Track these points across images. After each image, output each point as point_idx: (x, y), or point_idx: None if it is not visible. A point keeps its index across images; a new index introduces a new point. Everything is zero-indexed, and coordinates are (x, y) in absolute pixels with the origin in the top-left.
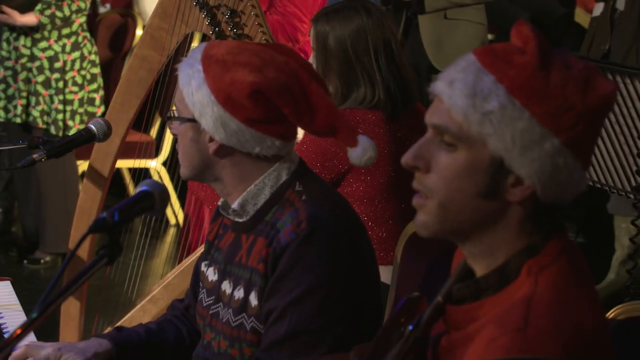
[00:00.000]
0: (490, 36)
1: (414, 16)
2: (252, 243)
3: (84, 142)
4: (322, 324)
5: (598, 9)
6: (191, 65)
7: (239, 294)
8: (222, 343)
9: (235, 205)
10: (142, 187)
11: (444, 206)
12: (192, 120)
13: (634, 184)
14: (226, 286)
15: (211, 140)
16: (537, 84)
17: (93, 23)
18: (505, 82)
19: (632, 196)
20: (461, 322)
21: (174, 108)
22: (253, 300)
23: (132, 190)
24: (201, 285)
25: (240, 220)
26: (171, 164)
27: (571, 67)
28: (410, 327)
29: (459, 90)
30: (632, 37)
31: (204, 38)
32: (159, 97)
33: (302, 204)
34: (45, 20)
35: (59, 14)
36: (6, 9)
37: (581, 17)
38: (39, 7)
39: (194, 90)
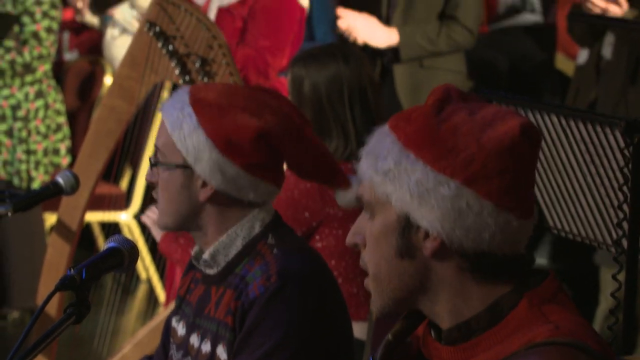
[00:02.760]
0: (469, 83)
1: (390, 65)
2: (221, 295)
3: (51, 195)
4: None
5: (582, 56)
6: (180, 108)
7: (206, 347)
8: None
9: (206, 255)
10: (110, 244)
11: (376, 278)
12: (184, 166)
13: (615, 237)
14: (194, 339)
15: (204, 185)
16: (428, 131)
17: (60, 70)
18: (402, 138)
19: (613, 249)
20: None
21: (153, 153)
22: (221, 354)
23: (102, 244)
24: (171, 341)
25: (211, 272)
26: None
27: (475, 112)
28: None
29: (365, 158)
30: (620, 89)
31: (175, 88)
32: (129, 147)
33: (273, 257)
34: (4, 65)
35: (19, 59)
36: None
37: (563, 63)
38: None
39: (186, 135)
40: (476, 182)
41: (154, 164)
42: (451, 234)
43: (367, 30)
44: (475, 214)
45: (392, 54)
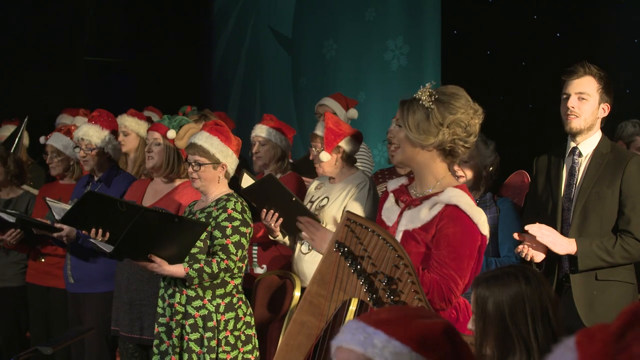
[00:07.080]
0: None
1: (566, 278)
2: None
3: None
4: None
5: None
6: (362, 330)
7: None
8: None
9: None
10: None
11: None
12: None
13: None
14: None
15: None
16: (604, 355)
17: (251, 283)
18: (581, 357)
19: None
20: None
21: None
22: None
23: None
24: None
25: None
26: None
27: None
28: None
29: None
30: None
31: (361, 305)
32: None
33: None
34: (193, 273)
35: (207, 269)
36: (155, 258)
37: None
38: (187, 260)
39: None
40: None
41: None
42: None
43: (549, 237)
44: None
45: (569, 266)
